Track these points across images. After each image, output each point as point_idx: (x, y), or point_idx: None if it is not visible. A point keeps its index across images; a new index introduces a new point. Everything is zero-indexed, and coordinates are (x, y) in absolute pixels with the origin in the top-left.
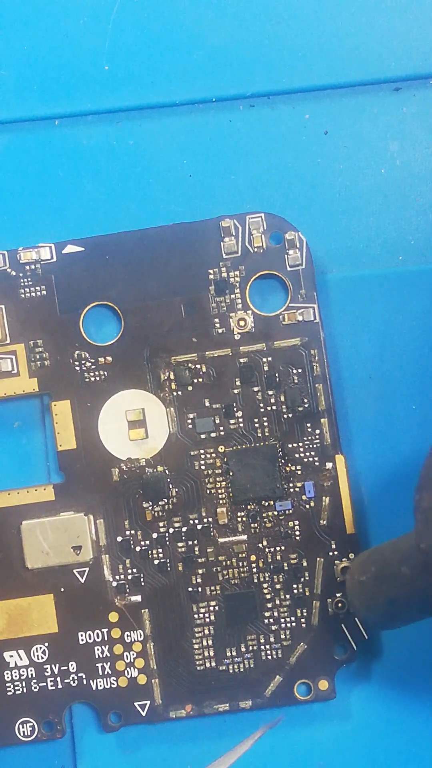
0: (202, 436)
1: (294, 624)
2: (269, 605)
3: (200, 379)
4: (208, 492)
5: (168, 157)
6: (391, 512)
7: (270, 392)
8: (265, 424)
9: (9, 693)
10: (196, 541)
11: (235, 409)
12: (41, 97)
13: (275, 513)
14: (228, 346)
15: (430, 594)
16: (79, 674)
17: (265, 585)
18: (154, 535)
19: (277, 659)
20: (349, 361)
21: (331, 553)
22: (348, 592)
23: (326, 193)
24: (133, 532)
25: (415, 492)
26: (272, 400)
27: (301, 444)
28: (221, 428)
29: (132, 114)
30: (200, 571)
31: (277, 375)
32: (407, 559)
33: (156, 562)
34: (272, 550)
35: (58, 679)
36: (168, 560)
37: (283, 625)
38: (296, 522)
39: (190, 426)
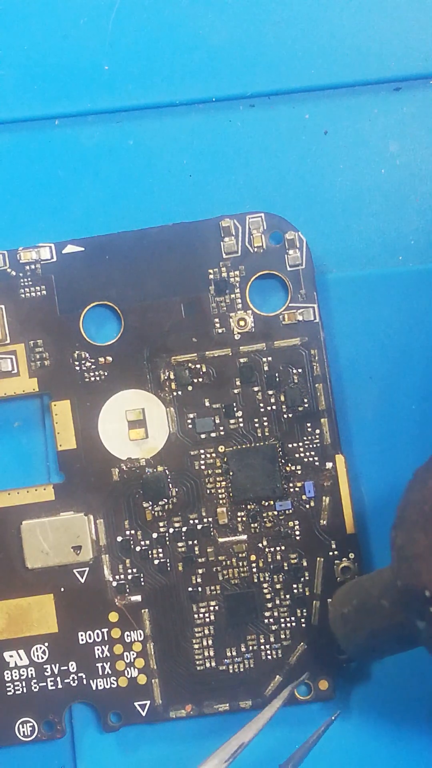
0: (202, 436)
1: (294, 624)
2: (269, 605)
3: (200, 379)
4: (208, 492)
5: (168, 157)
6: (391, 512)
7: (270, 392)
8: (265, 424)
9: (9, 693)
10: (196, 541)
11: (235, 409)
12: (41, 97)
13: (275, 513)
14: (228, 346)
15: (410, 627)
16: (79, 674)
17: (265, 585)
18: (154, 535)
19: (277, 659)
20: (349, 361)
21: (331, 553)
22: (330, 624)
23: (326, 193)
24: (133, 532)
25: (391, 530)
26: (272, 400)
27: (301, 444)
28: (221, 428)
29: (132, 114)
30: (200, 571)
31: (277, 375)
32: (387, 592)
33: (156, 562)
34: (272, 550)
35: (58, 679)
36: (168, 560)
37: (283, 625)
38: (296, 522)
39: (190, 426)
